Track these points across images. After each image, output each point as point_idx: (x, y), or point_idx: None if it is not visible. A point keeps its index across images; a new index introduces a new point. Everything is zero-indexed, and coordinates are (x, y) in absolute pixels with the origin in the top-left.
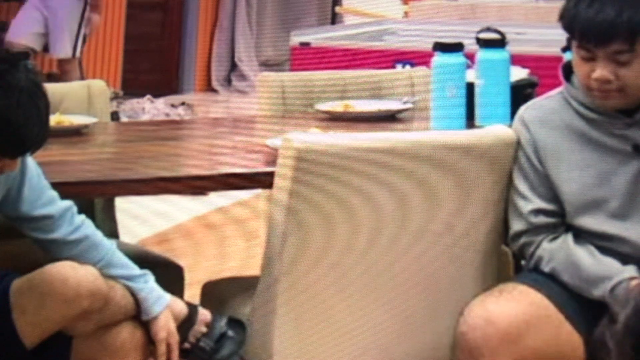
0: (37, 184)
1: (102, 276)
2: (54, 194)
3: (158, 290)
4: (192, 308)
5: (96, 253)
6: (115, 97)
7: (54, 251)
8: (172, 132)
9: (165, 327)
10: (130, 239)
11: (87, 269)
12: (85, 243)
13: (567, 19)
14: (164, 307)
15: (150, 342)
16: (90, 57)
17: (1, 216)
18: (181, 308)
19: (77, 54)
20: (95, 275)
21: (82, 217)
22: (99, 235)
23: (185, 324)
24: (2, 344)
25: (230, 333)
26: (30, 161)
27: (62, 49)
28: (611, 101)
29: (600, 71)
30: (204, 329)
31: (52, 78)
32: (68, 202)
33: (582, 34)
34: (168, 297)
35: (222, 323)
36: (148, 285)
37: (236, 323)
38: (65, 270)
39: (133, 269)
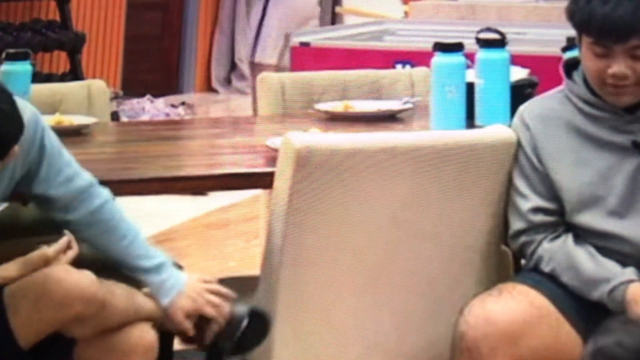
0: (55, 164)
1: (99, 281)
2: (73, 171)
3: (171, 280)
4: None
5: (111, 237)
6: (115, 97)
7: (71, 230)
8: (172, 132)
9: (180, 311)
10: None
11: (83, 273)
12: (99, 227)
13: (581, 16)
14: (174, 295)
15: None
16: (90, 57)
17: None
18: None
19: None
20: (90, 280)
21: (102, 199)
22: (116, 219)
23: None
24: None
25: (251, 326)
26: (53, 139)
27: (262, 54)
28: (626, 97)
29: (618, 67)
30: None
31: (52, 78)
32: (86, 181)
33: (600, 31)
34: (182, 279)
35: (242, 320)
36: (160, 276)
37: (257, 315)
38: (60, 274)
39: (150, 258)
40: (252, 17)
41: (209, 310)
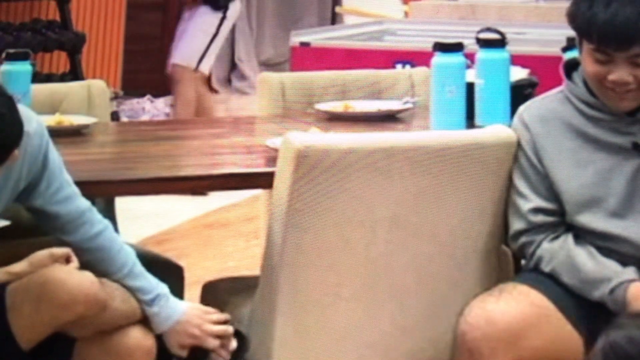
0: (55, 180)
1: (99, 282)
2: (72, 192)
3: (164, 313)
4: None
5: (108, 266)
6: (115, 97)
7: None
8: (172, 132)
9: (176, 342)
10: (130, 239)
11: (85, 275)
12: (97, 254)
13: (582, 22)
14: (168, 326)
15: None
16: (90, 57)
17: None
18: None
19: (203, 68)
20: (92, 281)
21: (101, 226)
22: (114, 249)
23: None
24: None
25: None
26: (55, 154)
27: (178, 55)
28: (627, 103)
29: (619, 74)
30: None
31: (52, 78)
32: (85, 205)
33: (601, 38)
34: (179, 312)
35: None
36: (152, 309)
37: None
38: (62, 275)
39: (144, 293)
40: (252, 17)
41: (210, 343)
